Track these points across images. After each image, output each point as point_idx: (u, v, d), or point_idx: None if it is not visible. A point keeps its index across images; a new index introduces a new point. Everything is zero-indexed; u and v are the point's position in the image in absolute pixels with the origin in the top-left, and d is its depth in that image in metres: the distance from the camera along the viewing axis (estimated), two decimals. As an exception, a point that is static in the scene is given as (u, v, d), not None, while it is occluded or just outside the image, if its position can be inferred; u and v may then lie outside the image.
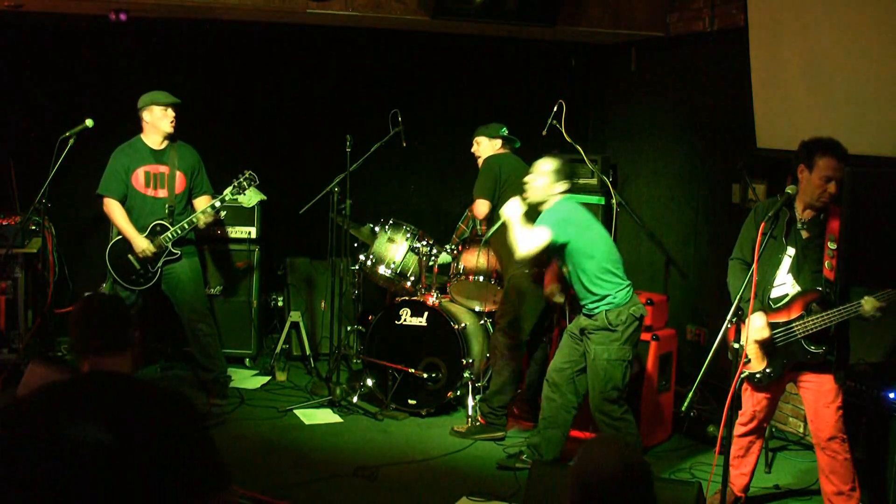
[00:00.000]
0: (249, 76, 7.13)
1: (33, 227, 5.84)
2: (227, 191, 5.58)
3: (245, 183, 5.59)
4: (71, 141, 5.40)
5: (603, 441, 2.15)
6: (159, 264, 5.55)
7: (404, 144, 6.09)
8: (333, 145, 6.20)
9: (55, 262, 6.27)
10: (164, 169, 5.58)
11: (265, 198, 6.18)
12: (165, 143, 5.60)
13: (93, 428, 0.94)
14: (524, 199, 4.77)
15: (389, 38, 7.14)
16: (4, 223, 5.78)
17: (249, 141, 7.10)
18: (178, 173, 5.62)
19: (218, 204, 5.58)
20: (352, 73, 7.33)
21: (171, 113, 5.51)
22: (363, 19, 6.23)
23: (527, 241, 4.59)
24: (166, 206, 5.57)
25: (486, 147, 5.77)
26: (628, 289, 4.60)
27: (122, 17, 5.89)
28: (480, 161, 5.74)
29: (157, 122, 5.50)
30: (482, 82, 7.62)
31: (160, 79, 6.66)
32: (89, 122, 5.43)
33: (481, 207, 5.52)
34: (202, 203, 5.65)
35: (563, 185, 4.69)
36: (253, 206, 6.44)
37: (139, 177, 5.53)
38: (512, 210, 4.72)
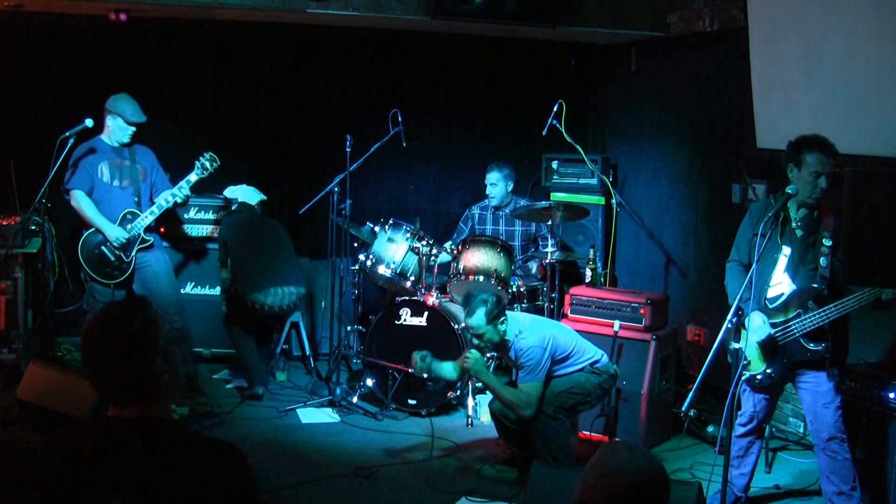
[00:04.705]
0: (249, 76, 7.12)
1: (33, 227, 5.84)
2: (192, 174, 5.63)
3: (208, 164, 5.64)
4: (71, 141, 5.40)
5: (621, 447, 2.14)
6: (133, 253, 5.59)
7: (404, 144, 6.09)
8: (333, 145, 6.20)
9: (55, 262, 6.27)
10: (126, 162, 5.66)
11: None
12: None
13: None
14: (484, 349, 4.65)
15: (389, 38, 7.14)
16: (4, 223, 5.78)
17: (249, 141, 7.09)
18: (139, 167, 5.70)
19: (186, 185, 5.61)
20: (352, 73, 7.33)
21: (131, 129, 5.58)
22: (363, 19, 6.23)
23: (526, 403, 4.49)
24: (133, 196, 5.63)
25: None
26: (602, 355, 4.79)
27: (122, 17, 5.90)
28: None
29: (117, 131, 5.58)
30: (482, 82, 7.61)
31: (159, 78, 6.68)
32: (89, 122, 5.43)
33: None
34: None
35: (504, 315, 4.58)
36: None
37: (103, 170, 5.59)
38: (477, 364, 4.60)
